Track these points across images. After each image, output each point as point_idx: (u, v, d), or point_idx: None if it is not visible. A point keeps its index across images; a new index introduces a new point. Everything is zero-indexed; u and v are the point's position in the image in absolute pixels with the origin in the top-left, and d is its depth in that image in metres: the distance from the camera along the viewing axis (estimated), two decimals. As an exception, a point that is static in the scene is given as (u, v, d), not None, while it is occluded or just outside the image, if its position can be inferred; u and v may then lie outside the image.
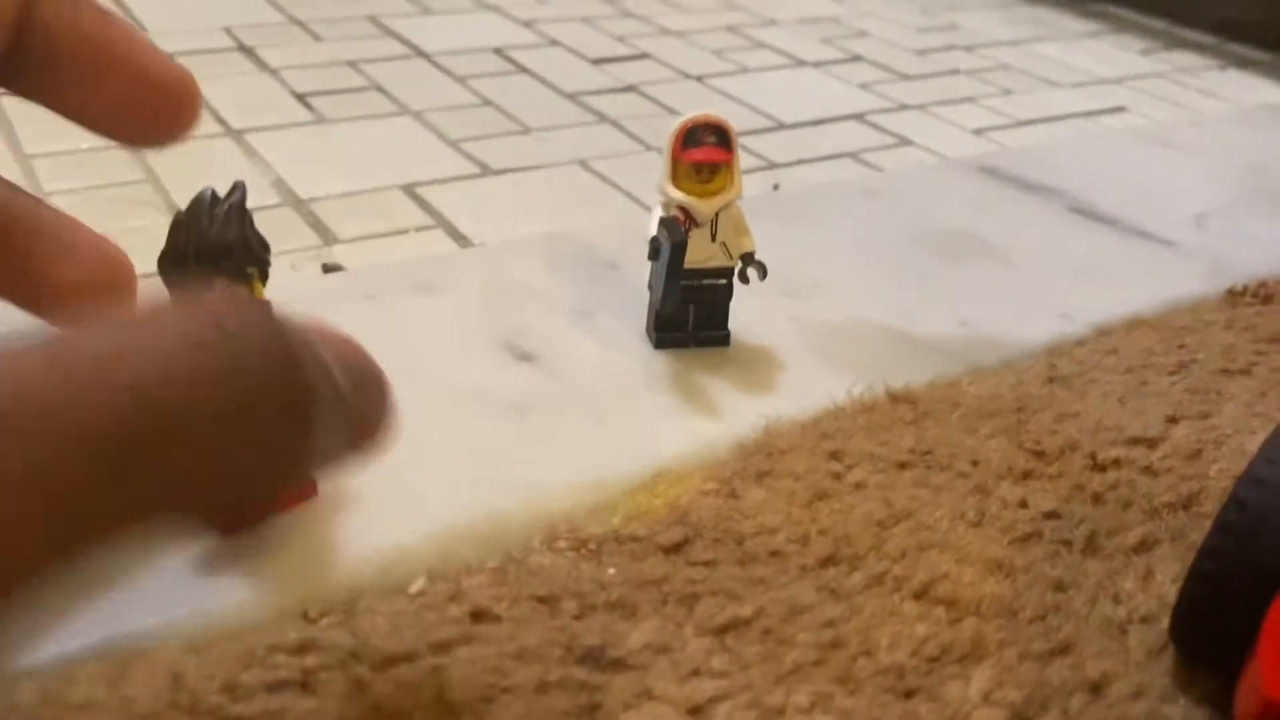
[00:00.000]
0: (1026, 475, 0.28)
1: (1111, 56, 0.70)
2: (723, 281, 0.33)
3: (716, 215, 0.32)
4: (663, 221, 0.31)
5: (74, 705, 0.20)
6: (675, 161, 0.31)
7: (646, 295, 0.34)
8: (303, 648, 0.21)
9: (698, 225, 0.32)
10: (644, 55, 0.63)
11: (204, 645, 0.21)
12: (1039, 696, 0.21)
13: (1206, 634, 0.21)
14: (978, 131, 0.56)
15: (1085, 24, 0.78)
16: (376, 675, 0.21)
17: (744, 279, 0.33)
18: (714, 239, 0.32)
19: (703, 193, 0.32)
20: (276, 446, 0.15)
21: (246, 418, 0.14)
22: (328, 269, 0.38)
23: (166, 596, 0.23)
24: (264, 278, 0.24)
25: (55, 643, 0.21)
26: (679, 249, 0.31)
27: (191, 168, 0.44)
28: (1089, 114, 0.60)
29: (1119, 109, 0.61)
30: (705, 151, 0.31)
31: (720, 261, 0.33)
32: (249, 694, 0.20)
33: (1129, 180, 0.48)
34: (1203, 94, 0.64)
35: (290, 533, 0.25)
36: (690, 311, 0.33)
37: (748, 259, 0.33)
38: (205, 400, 0.14)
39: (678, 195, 0.32)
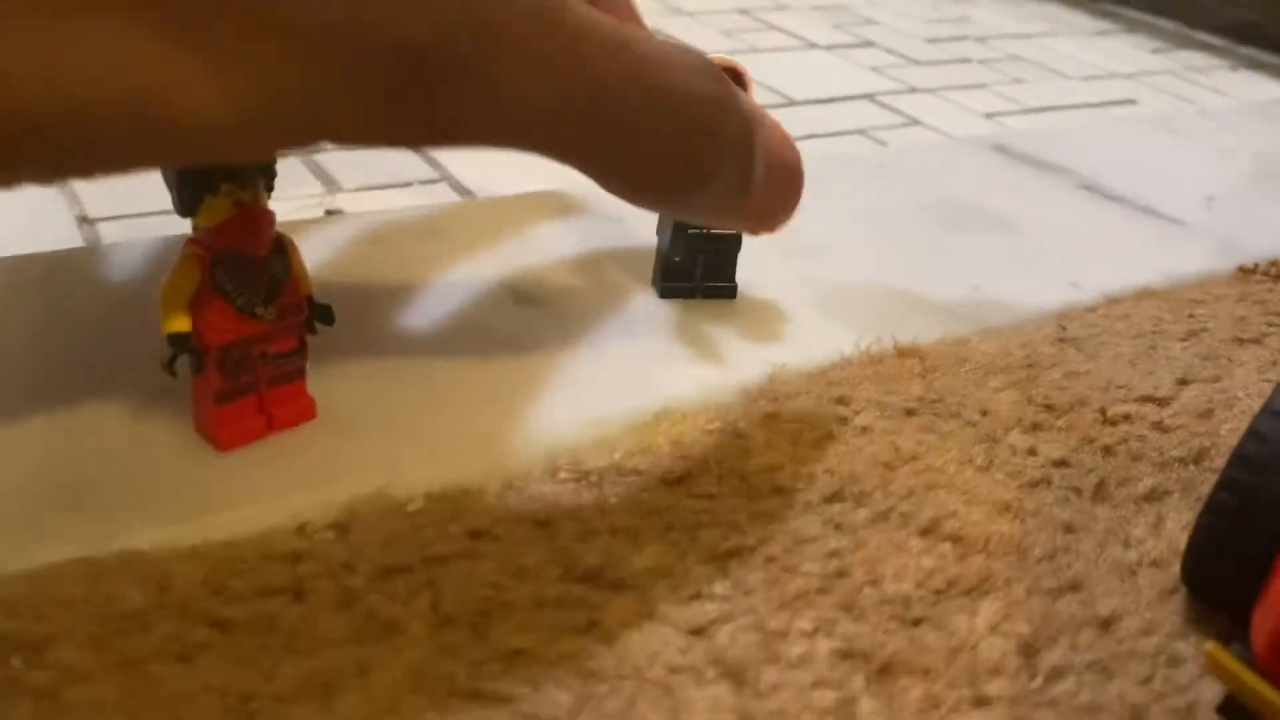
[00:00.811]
0: (1036, 426, 0.27)
1: (1122, 53, 0.70)
2: (730, 233, 0.33)
3: None
4: None
5: (59, 601, 0.19)
6: None
7: (652, 249, 0.33)
8: (296, 557, 0.21)
9: None
10: (654, 31, 0.63)
11: (193, 552, 0.21)
12: (1047, 630, 0.21)
13: (1220, 569, 0.20)
14: (988, 116, 0.55)
15: (1097, 23, 0.77)
16: (370, 586, 0.20)
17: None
18: None
19: None
20: (687, 142, 0.20)
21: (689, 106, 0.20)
22: (330, 214, 0.38)
23: (158, 507, 0.22)
24: (269, 188, 0.23)
25: (44, 545, 0.21)
26: None
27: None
28: (1099, 105, 0.60)
29: (1129, 101, 0.61)
30: (721, 95, 0.31)
31: None
32: (239, 598, 0.20)
33: (1138, 163, 0.48)
34: (1213, 91, 0.64)
35: (286, 453, 0.24)
36: (698, 263, 0.33)
37: None
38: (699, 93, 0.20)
39: (689, 140, 0.31)
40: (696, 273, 0.33)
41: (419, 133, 0.17)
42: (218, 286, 0.23)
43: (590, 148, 0.19)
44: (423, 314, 0.31)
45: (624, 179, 0.20)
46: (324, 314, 0.25)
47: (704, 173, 0.21)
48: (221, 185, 0.22)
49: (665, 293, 0.33)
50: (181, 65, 0.15)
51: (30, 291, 0.29)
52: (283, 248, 0.24)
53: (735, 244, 0.33)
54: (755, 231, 0.25)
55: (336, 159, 0.42)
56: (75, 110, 0.14)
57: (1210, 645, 0.17)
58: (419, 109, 0.17)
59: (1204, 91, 0.64)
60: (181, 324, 0.23)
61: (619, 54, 0.19)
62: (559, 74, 0.18)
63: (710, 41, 0.62)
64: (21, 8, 0.14)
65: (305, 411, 0.25)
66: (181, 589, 0.20)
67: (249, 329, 0.23)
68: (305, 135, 0.16)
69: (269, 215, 0.23)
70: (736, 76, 0.31)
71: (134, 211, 0.36)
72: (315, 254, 0.32)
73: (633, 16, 0.25)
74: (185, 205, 0.22)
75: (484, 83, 0.17)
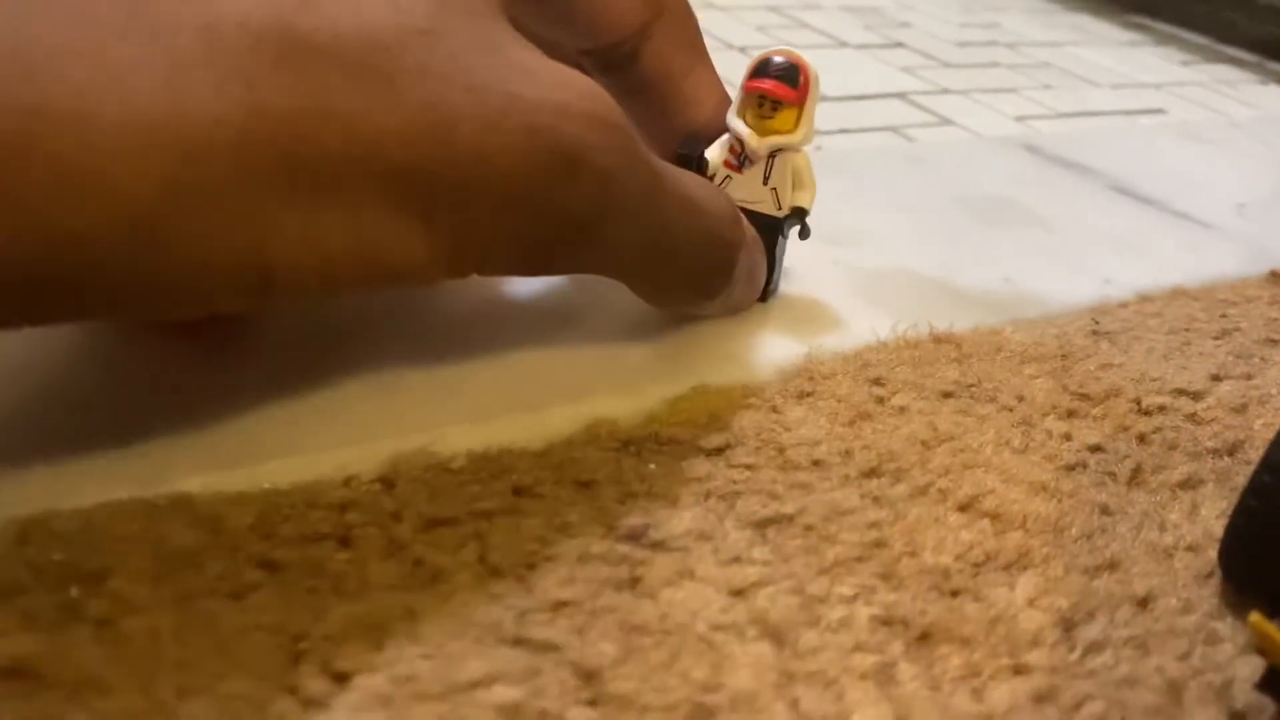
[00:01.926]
0: (1071, 413, 0.28)
1: (1152, 64, 0.70)
2: (766, 225, 0.32)
3: (773, 157, 0.31)
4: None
5: (114, 537, 0.19)
6: (744, 90, 0.31)
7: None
8: (343, 506, 0.21)
9: (751, 162, 0.31)
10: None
11: (242, 498, 0.21)
12: (1086, 605, 0.21)
13: (1260, 554, 0.21)
14: (1019, 119, 0.56)
15: (1126, 34, 0.78)
16: (417, 536, 0.21)
17: (783, 233, 0.32)
18: (765, 182, 0.31)
19: (761, 129, 0.31)
20: (709, 275, 0.27)
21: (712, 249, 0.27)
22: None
23: (206, 454, 0.22)
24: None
25: (97, 485, 0.21)
26: (691, 152, 0.30)
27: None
28: (1128, 113, 0.60)
29: (1158, 110, 0.61)
30: (769, 84, 0.30)
31: (767, 208, 0.31)
32: (288, 542, 0.20)
33: (1169, 168, 0.48)
34: (1242, 104, 0.64)
35: (331, 409, 0.25)
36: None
37: (796, 213, 0.31)
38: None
39: (735, 124, 0.31)
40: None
41: (544, 273, 0.24)
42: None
43: (645, 273, 0.25)
44: (469, 284, 0.31)
45: (657, 295, 0.27)
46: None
47: (712, 295, 0.28)
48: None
49: (702, 273, 0.33)
50: (408, 231, 0.20)
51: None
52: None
53: (771, 239, 0.32)
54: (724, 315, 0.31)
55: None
56: (325, 265, 0.19)
57: (1254, 615, 0.17)
58: (556, 263, 0.23)
59: (1233, 103, 0.64)
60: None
61: (684, 205, 0.25)
62: (648, 226, 0.24)
63: (743, 36, 0.62)
64: (309, 194, 0.18)
65: None
66: (231, 531, 0.20)
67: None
68: (469, 274, 0.21)
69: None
70: (801, 71, 0.30)
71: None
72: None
73: (702, 57, 0.31)
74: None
75: (604, 242, 0.23)
